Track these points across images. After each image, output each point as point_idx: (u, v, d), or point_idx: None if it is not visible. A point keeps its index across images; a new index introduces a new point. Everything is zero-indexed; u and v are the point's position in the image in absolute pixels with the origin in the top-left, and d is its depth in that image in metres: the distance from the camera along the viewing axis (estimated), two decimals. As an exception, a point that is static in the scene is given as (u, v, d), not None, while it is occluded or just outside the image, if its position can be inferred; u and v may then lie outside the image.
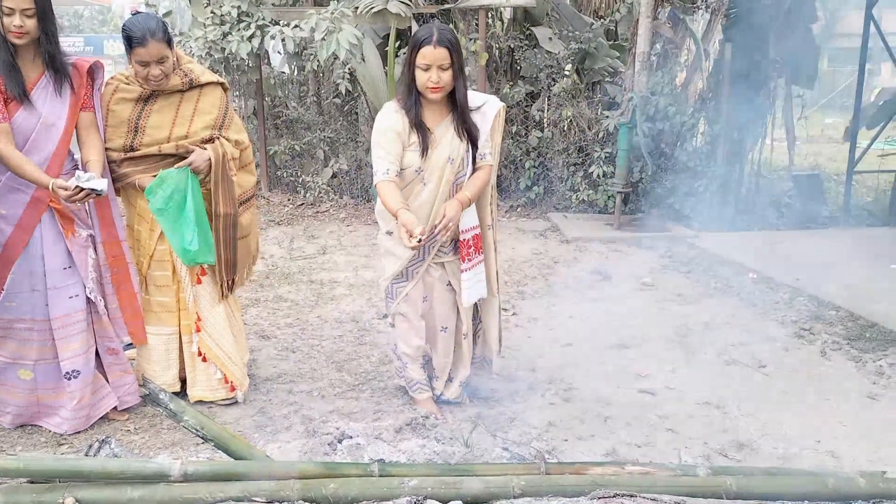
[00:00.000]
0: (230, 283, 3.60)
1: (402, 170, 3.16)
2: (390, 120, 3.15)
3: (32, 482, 2.34)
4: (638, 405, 3.67)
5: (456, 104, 3.18)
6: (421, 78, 3.07)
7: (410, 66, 3.09)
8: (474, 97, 3.27)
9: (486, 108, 3.25)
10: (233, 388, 3.61)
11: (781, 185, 8.59)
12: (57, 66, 3.11)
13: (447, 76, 3.05)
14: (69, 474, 2.33)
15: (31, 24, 2.99)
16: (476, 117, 3.23)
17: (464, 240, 3.29)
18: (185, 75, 3.38)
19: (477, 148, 3.25)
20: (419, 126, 3.14)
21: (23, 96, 3.04)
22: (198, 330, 3.51)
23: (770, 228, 7.44)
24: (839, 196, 8.16)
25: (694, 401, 3.70)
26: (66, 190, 2.97)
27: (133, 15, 3.29)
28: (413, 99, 3.13)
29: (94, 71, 3.25)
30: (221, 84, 3.54)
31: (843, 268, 5.86)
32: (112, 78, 3.37)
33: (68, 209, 3.18)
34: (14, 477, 2.34)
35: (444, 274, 3.40)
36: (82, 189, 2.96)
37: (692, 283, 5.66)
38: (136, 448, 3.20)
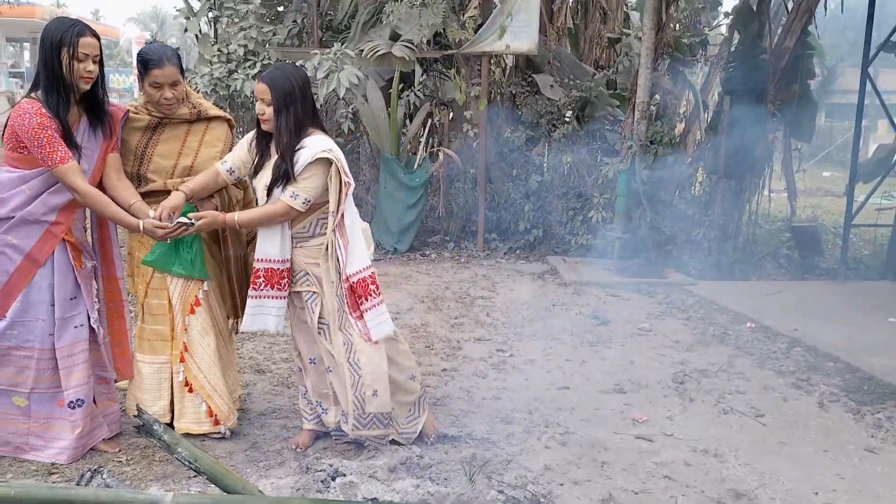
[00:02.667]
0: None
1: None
2: (251, 134, 3.42)
3: (22, 511, 2.30)
4: (634, 451, 3.63)
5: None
6: (256, 109, 3.30)
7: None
8: (311, 140, 3.24)
9: (306, 152, 3.21)
10: (217, 422, 3.54)
11: (780, 236, 8.66)
12: (102, 111, 3.22)
13: (270, 110, 3.23)
14: (61, 503, 2.29)
15: (96, 69, 3.12)
16: (301, 155, 3.22)
17: (255, 268, 3.34)
18: (194, 107, 3.48)
19: (279, 185, 3.24)
20: (261, 152, 3.35)
21: (75, 145, 3.11)
22: (181, 360, 3.48)
23: (768, 278, 7.47)
24: (837, 248, 8.20)
25: (691, 448, 3.67)
26: (163, 228, 3.13)
27: (149, 43, 3.44)
28: (259, 129, 3.35)
29: (123, 118, 3.36)
30: (227, 120, 3.62)
31: (840, 319, 5.87)
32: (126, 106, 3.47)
33: (78, 241, 3.22)
34: (3, 505, 2.30)
35: (293, 306, 3.45)
36: (181, 224, 3.17)
37: (689, 330, 5.65)
38: (128, 479, 3.15)
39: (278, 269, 3.32)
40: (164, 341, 3.50)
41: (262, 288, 3.33)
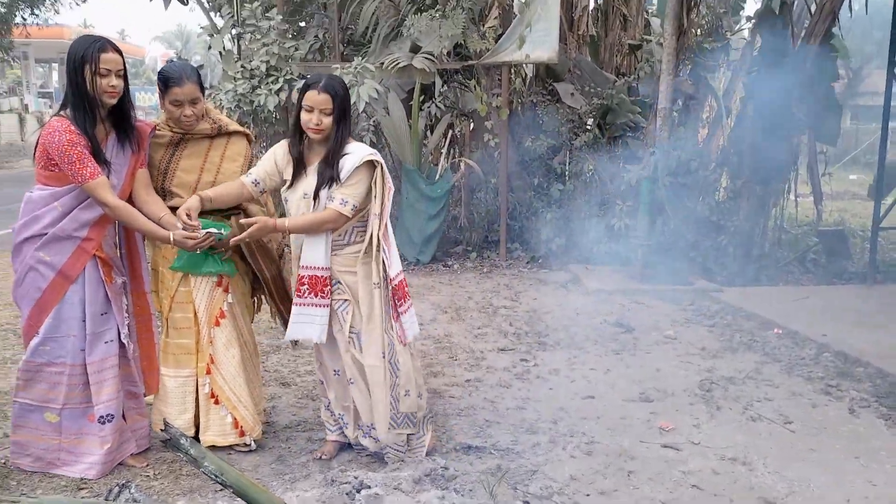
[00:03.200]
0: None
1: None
2: (279, 148, 3.41)
3: (52, 524, 2.34)
4: (661, 460, 3.60)
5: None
6: (303, 118, 3.26)
7: (299, 106, 3.28)
8: (353, 146, 3.32)
9: (353, 158, 3.27)
10: (242, 434, 3.57)
11: (806, 241, 8.55)
12: (129, 126, 3.27)
13: (328, 121, 3.23)
14: (89, 517, 2.33)
15: (121, 84, 3.16)
16: (344, 162, 3.26)
17: (300, 275, 3.33)
18: (214, 122, 3.55)
19: (325, 192, 3.27)
20: (298, 162, 3.33)
21: (104, 161, 3.16)
22: (208, 372, 3.53)
23: (795, 283, 7.37)
24: (865, 252, 8.07)
25: (719, 457, 3.63)
26: (193, 239, 3.17)
27: (170, 62, 3.52)
28: (297, 136, 3.34)
29: (150, 134, 3.42)
30: (247, 135, 3.69)
31: (870, 324, 5.78)
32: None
33: (109, 257, 3.27)
34: (34, 519, 2.34)
35: (333, 312, 3.41)
36: (210, 235, 3.19)
37: (716, 337, 5.60)
38: (155, 493, 3.19)
39: (322, 276, 3.34)
40: (190, 354, 3.54)
41: (306, 295, 3.34)
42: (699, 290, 6.91)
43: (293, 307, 3.37)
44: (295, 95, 7.89)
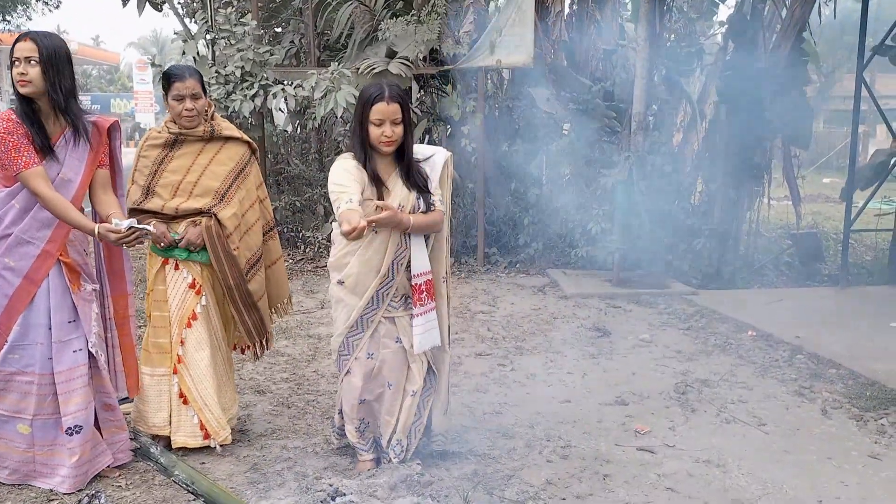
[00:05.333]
0: (263, 343, 3.79)
1: None
2: (350, 166, 3.20)
3: (18, 538, 2.30)
4: (637, 463, 3.62)
5: (403, 157, 3.27)
6: (374, 134, 3.15)
7: (363, 123, 3.17)
8: (423, 149, 3.40)
9: (436, 159, 3.35)
10: (207, 436, 3.56)
11: (780, 244, 8.64)
12: (72, 119, 3.18)
13: (400, 130, 3.16)
14: (56, 530, 2.29)
15: (33, 72, 3.04)
16: (425, 167, 3.32)
17: (416, 284, 3.30)
18: (210, 126, 3.59)
19: (428, 194, 3.29)
20: (375, 178, 3.23)
21: (47, 149, 3.11)
22: (175, 371, 3.54)
23: (769, 286, 7.45)
24: (838, 255, 8.19)
25: (693, 459, 3.65)
26: (116, 233, 3.04)
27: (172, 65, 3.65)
28: (366, 153, 3.22)
29: (112, 131, 3.35)
30: (248, 143, 3.72)
31: (843, 326, 5.85)
32: (149, 129, 3.67)
33: (76, 263, 3.23)
34: (0, 532, 2.30)
35: (394, 329, 3.37)
36: (135, 231, 3.07)
37: (691, 340, 5.63)
38: (126, 503, 3.15)
39: (431, 279, 3.34)
40: (164, 354, 3.57)
41: (426, 302, 3.32)
42: (675, 293, 6.97)
43: (416, 319, 3.30)
44: (271, 101, 7.90)
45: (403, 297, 3.37)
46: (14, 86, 3.08)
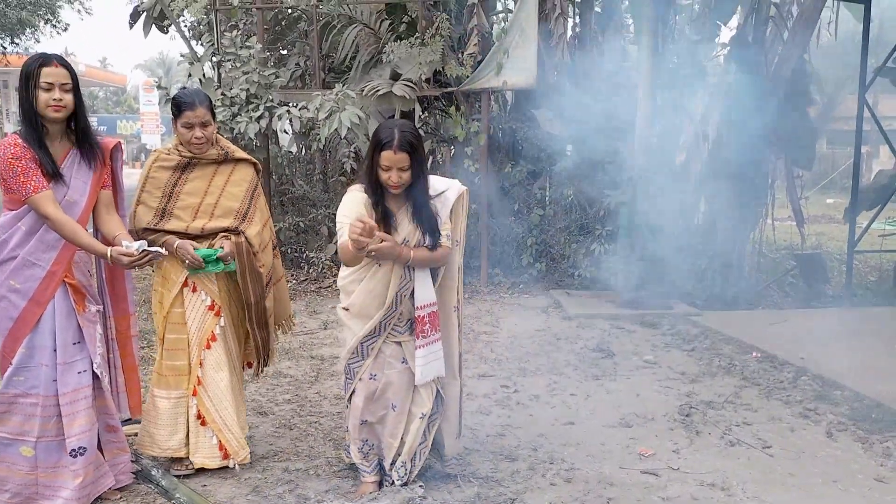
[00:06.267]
0: (266, 360, 3.82)
1: None
2: (359, 199, 3.25)
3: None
4: (641, 486, 3.59)
5: (412, 194, 3.26)
6: (382, 176, 3.17)
7: (373, 164, 3.18)
8: (437, 183, 3.35)
9: (448, 195, 3.33)
10: (226, 457, 3.58)
11: (784, 264, 8.63)
12: (90, 141, 3.24)
13: (407, 175, 3.16)
14: (56, 553, 2.28)
15: (68, 98, 3.12)
16: (437, 203, 3.31)
17: (419, 316, 3.31)
18: (222, 149, 3.64)
19: (435, 235, 3.29)
20: (384, 213, 3.24)
21: (55, 173, 3.13)
22: (194, 393, 3.55)
23: (773, 307, 7.42)
24: (842, 275, 8.17)
25: (698, 482, 3.62)
26: (128, 256, 3.09)
27: (182, 89, 3.64)
28: (376, 191, 3.23)
29: (114, 152, 3.39)
30: (254, 164, 3.78)
31: (847, 347, 5.82)
32: (154, 150, 3.65)
33: (81, 285, 3.24)
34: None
35: (400, 351, 3.38)
36: (148, 253, 3.12)
37: (695, 362, 5.61)
38: (126, 527, 3.13)
39: (436, 311, 3.37)
40: (181, 376, 3.57)
41: (430, 334, 3.34)
42: (678, 314, 6.95)
43: (418, 350, 3.31)
44: (276, 122, 7.96)
45: (409, 321, 3.38)
46: (28, 109, 3.08)
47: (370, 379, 3.36)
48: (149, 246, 3.19)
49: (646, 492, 3.53)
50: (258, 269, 3.64)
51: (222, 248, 3.49)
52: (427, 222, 3.26)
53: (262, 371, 3.90)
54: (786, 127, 7.72)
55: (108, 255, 3.12)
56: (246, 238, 3.59)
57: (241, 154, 3.71)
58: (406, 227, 3.27)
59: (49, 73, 3.07)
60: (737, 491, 3.53)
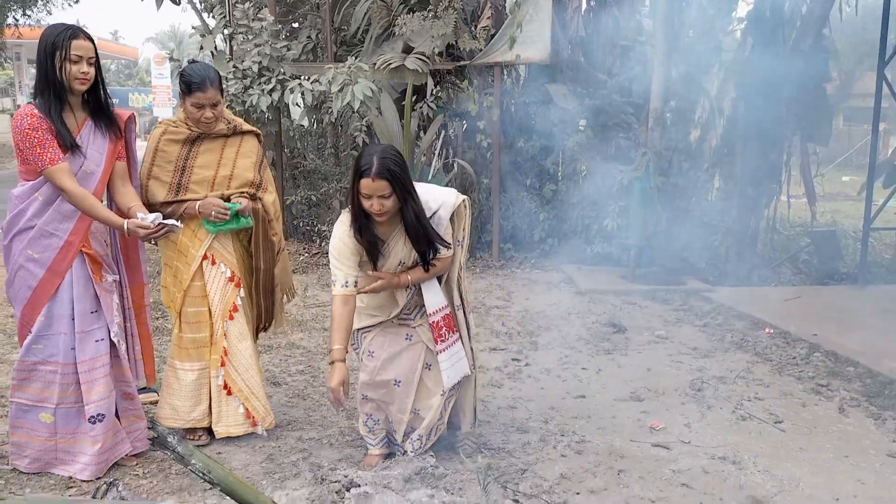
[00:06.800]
0: (266, 326, 3.87)
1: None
2: (345, 235, 3.19)
3: (38, 523, 2.33)
4: (652, 459, 3.61)
5: (403, 218, 3.19)
6: (364, 204, 3.09)
7: (354, 193, 3.10)
8: (431, 200, 3.23)
9: (442, 212, 3.25)
10: (254, 423, 3.67)
11: (798, 241, 8.58)
12: (106, 112, 3.26)
13: (390, 203, 3.07)
14: (75, 515, 2.31)
15: (92, 72, 3.16)
16: (437, 220, 3.25)
17: (434, 322, 3.33)
18: (229, 122, 3.63)
19: (433, 252, 3.26)
20: (371, 243, 3.20)
21: (73, 144, 3.14)
22: (222, 364, 3.60)
23: (787, 284, 7.39)
24: (857, 253, 8.11)
25: (709, 456, 3.63)
26: (144, 228, 3.13)
27: (190, 63, 3.56)
28: (361, 220, 3.16)
29: (128, 123, 3.41)
30: (257, 134, 3.78)
31: (861, 324, 5.79)
32: (160, 122, 3.62)
33: (98, 254, 3.26)
34: (20, 517, 2.33)
35: (404, 329, 3.41)
36: (163, 226, 3.15)
37: (707, 337, 5.60)
38: (143, 492, 3.18)
39: (448, 312, 3.39)
40: (203, 348, 3.61)
41: (447, 337, 3.37)
42: (691, 290, 6.93)
43: (440, 355, 3.34)
44: (288, 95, 7.93)
45: (418, 307, 3.40)
46: (53, 79, 3.08)
47: (368, 356, 3.41)
48: (164, 218, 3.21)
49: (656, 464, 3.55)
50: (271, 237, 3.69)
51: (239, 202, 3.51)
52: (422, 247, 3.21)
53: (257, 338, 3.89)
54: (802, 103, 7.63)
55: (125, 227, 3.14)
56: (262, 205, 3.63)
57: (246, 126, 3.72)
58: (401, 251, 3.25)
59: (79, 47, 3.09)
60: (748, 464, 3.54)
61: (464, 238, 3.40)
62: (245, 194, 3.58)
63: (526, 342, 5.45)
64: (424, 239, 3.19)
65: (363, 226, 3.16)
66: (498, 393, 4.43)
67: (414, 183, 3.19)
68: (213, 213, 3.45)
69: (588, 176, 8.17)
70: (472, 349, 3.53)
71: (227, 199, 3.54)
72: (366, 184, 3.01)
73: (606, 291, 6.90)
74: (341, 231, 3.21)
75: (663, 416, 4.11)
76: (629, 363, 5.01)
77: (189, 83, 3.43)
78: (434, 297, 3.33)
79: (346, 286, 3.17)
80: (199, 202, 3.47)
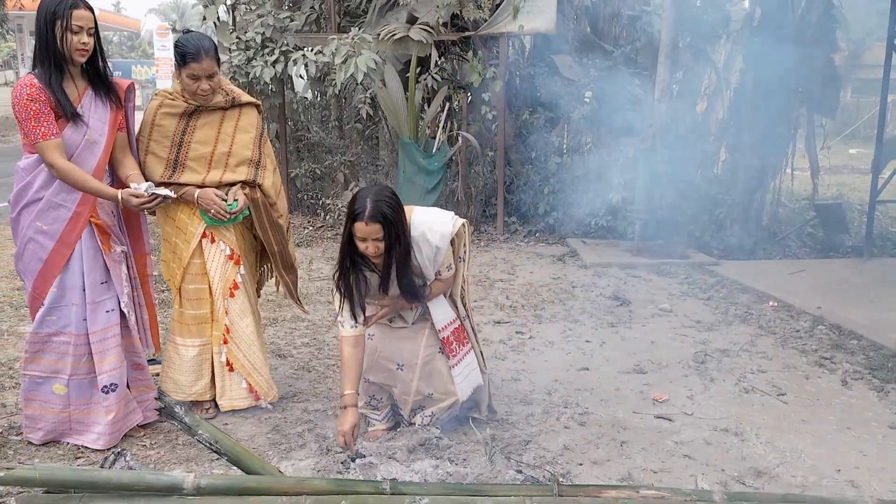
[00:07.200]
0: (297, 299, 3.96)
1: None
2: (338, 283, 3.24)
3: (49, 492, 2.36)
4: (654, 431, 3.63)
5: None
6: (360, 246, 3.10)
7: (349, 235, 3.12)
8: (430, 236, 3.22)
9: (441, 245, 3.24)
10: (258, 398, 3.70)
11: (803, 215, 8.55)
12: (105, 82, 3.25)
13: (384, 245, 3.08)
14: (84, 485, 2.35)
15: (92, 42, 3.14)
16: (435, 254, 3.25)
17: (444, 338, 3.37)
18: (227, 94, 3.55)
19: (417, 296, 3.29)
20: (366, 278, 3.22)
21: (74, 114, 3.13)
22: (225, 342, 3.61)
23: (792, 257, 7.38)
24: (862, 226, 8.08)
25: (711, 427, 3.65)
26: (138, 197, 3.13)
27: (185, 33, 3.46)
28: (345, 266, 3.19)
29: (128, 92, 3.39)
30: (257, 105, 3.71)
31: (866, 297, 5.79)
32: (157, 94, 3.53)
33: (106, 225, 3.26)
34: (30, 487, 2.36)
35: (406, 314, 3.43)
36: (156, 196, 3.15)
37: (711, 310, 5.61)
38: (151, 463, 3.22)
39: (458, 325, 3.44)
40: (205, 324, 3.61)
41: (458, 350, 3.42)
42: (695, 263, 6.93)
43: (454, 369, 3.40)
44: (291, 67, 7.88)
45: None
46: (53, 49, 3.06)
47: (368, 338, 3.42)
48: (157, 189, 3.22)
49: (659, 436, 3.57)
50: (276, 221, 3.66)
51: (237, 200, 3.47)
52: (407, 289, 3.23)
53: (302, 309, 4.07)
54: (810, 74, 7.55)
55: (119, 197, 3.14)
56: (262, 191, 3.58)
57: (245, 98, 3.64)
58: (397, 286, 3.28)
59: (80, 17, 3.07)
60: (750, 436, 3.56)
61: (465, 253, 3.42)
62: (242, 186, 3.52)
63: (530, 315, 5.47)
64: (407, 286, 3.21)
65: (349, 270, 3.18)
66: (502, 365, 4.46)
67: (415, 210, 3.23)
68: (212, 210, 3.42)
69: (593, 149, 8.13)
70: (481, 353, 3.59)
71: (225, 189, 3.50)
72: (360, 227, 3.03)
73: (611, 265, 6.90)
74: (336, 284, 3.26)
75: (666, 389, 4.13)
76: (633, 336, 5.03)
77: (184, 54, 3.34)
78: (442, 312, 3.40)
79: (355, 327, 3.21)
80: (197, 192, 3.41)
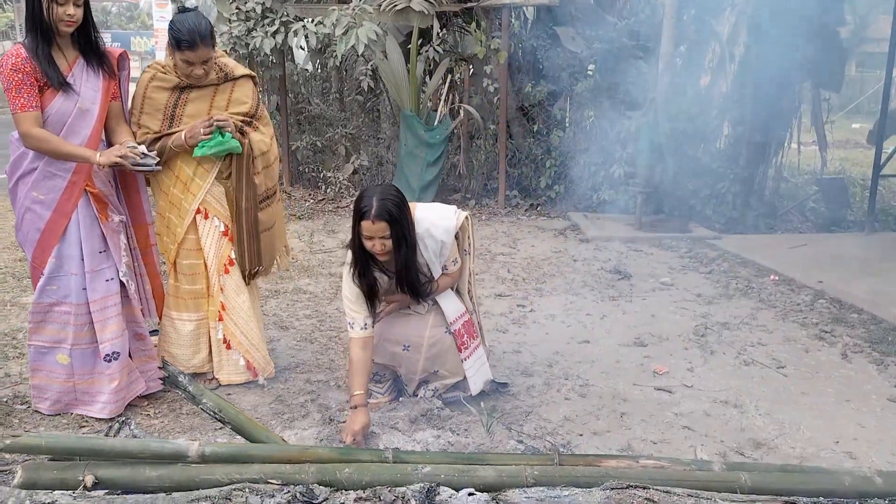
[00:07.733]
0: (254, 272, 3.67)
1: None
2: (349, 283, 3.26)
3: (54, 460, 2.39)
4: (654, 402, 3.66)
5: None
6: (367, 245, 3.11)
7: (356, 234, 3.13)
8: (434, 231, 3.25)
9: (446, 239, 3.27)
10: (255, 374, 3.70)
11: (806, 189, 8.53)
12: (98, 51, 3.22)
13: (391, 242, 3.09)
14: (89, 453, 2.37)
15: (79, 13, 3.10)
16: (441, 248, 3.28)
17: (456, 330, 3.40)
18: (221, 70, 3.49)
19: (421, 293, 3.33)
20: (370, 286, 3.25)
21: (63, 83, 3.11)
22: (220, 319, 3.61)
23: (794, 231, 7.38)
24: (865, 200, 8.07)
25: (711, 399, 3.68)
26: (117, 153, 3.11)
27: (181, 12, 3.36)
28: (362, 262, 3.20)
29: (120, 60, 3.35)
30: (252, 77, 3.64)
31: (867, 271, 5.80)
32: (149, 66, 3.48)
33: (102, 194, 3.26)
34: (36, 454, 2.39)
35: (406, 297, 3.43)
36: (137, 153, 3.14)
37: (712, 284, 5.62)
38: (155, 431, 3.24)
39: (468, 318, 3.48)
40: (201, 299, 3.61)
41: (469, 343, 3.46)
42: (697, 237, 6.93)
43: (465, 362, 3.44)
44: (292, 38, 7.82)
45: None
46: (39, 20, 3.03)
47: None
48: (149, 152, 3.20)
49: (659, 408, 3.60)
50: (252, 176, 3.52)
51: (223, 119, 3.37)
52: (410, 287, 3.26)
53: (246, 282, 3.69)
54: (815, 48, 7.48)
55: (97, 157, 3.12)
56: (249, 141, 3.49)
57: (240, 70, 3.57)
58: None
59: None
60: (749, 408, 3.58)
61: (470, 246, 3.44)
62: (235, 120, 3.44)
63: (531, 288, 5.48)
64: (410, 284, 3.25)
65: (364, 269, 3.21)
66: (503, 338, 4.47)
67: (417, 207, 3.25)
68: (201, 130, 3.31)
69: (596, 122, 8.09)
70: (486, 345, 3.65)
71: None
72: (366, 225, 3.04)
73: (612, 239, 6.90)
74: (347, 278, 3.27)
75: (667, 361, 4.15)
76: (634, 309, 5.04)
77: (178, 40, 3.27)
78: (452, 305, 3.44)
79: (365, 328, 3.24)
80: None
